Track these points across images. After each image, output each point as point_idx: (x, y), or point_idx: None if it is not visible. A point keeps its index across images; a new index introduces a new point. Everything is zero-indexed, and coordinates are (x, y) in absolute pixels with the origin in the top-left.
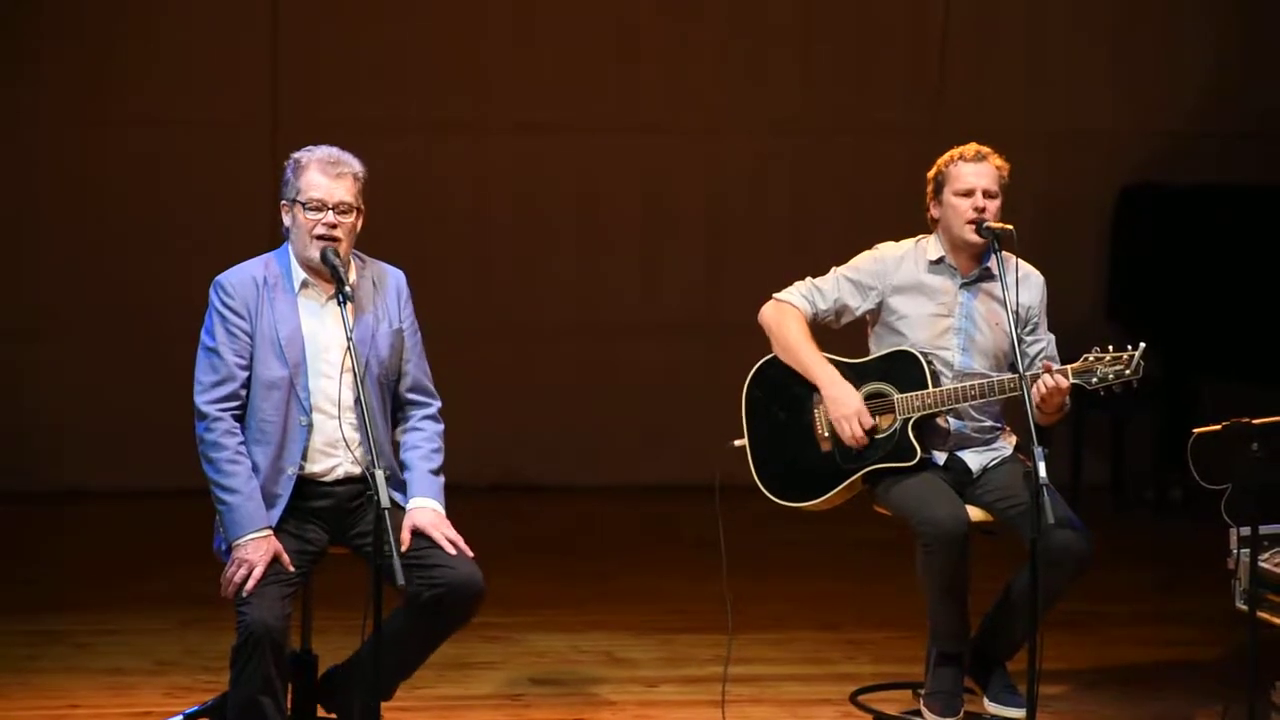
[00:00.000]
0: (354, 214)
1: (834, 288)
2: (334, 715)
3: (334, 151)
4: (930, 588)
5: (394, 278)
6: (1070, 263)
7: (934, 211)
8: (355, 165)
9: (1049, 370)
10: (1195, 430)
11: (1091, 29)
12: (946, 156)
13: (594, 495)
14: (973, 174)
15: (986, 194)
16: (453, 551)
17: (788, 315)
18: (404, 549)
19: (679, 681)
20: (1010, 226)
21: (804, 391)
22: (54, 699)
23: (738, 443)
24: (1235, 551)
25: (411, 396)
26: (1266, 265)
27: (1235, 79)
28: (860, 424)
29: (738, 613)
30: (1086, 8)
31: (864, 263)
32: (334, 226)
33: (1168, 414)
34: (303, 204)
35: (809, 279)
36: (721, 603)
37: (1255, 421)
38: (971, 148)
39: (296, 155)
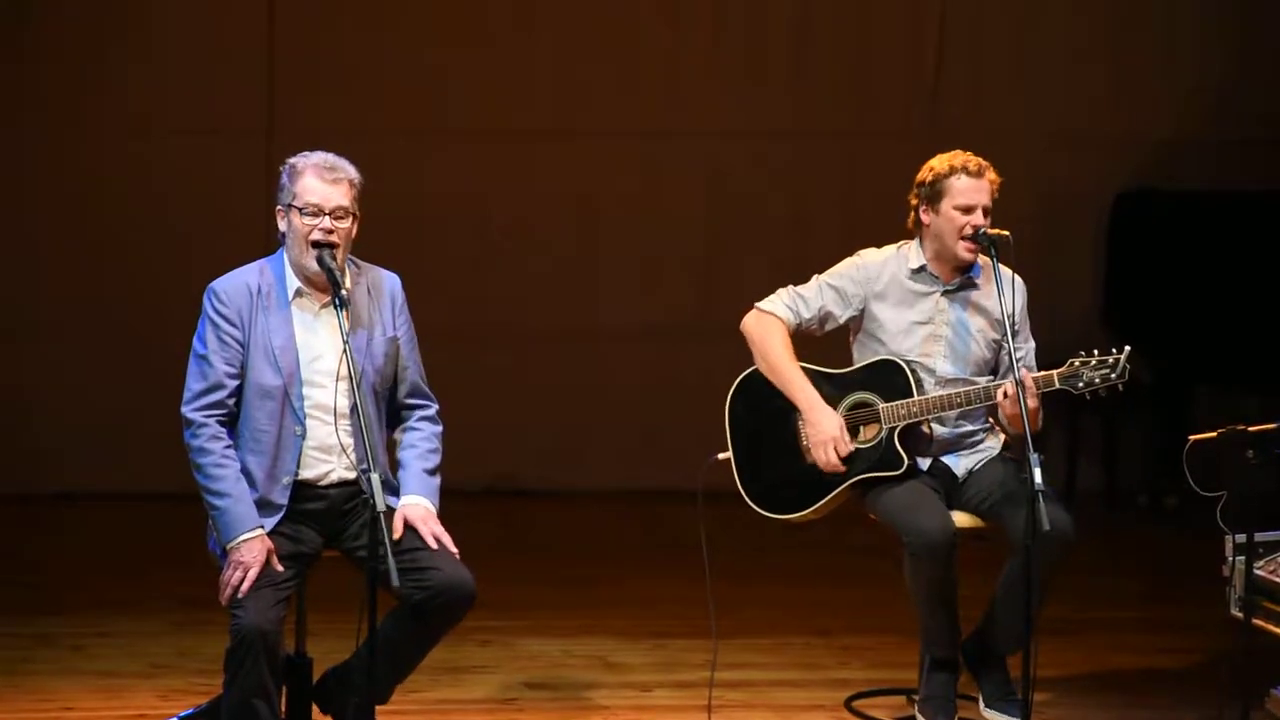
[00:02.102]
0: (350, 219)
1: (817, 296)
2: (329, 718)
3: (330, 157)
4: (919, 596)
5: (389, 283)
6: (1065, 267)
7: (924, 218)
8: (351, 171)
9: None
10: (1191, 437)
11: (1087, 33)
12: (945, 166)
13: (587, 500)
14: (974, 190)
15: (986, 211)
16: (435, 546)
17: (770, 327)
18: (396, 537)
19: (672, 686)
20: (1007, 233)
21: (787, 404)
22: (47, 701)
23: (721, 456)
24: (1230, 558)
25: (410, 401)
26: (1262, 271)
27: (1231, 84)
28: (836, 451)
29: (729, 618)
30: (1082, 11)
31: (846, 270)
32: (330, 232)
33: (1162, 420)
34: (299, 209)
35: (791, 287)
36: (717, 608)
37: (1251, 428)
38: (974, 161)
39: (292, 160)
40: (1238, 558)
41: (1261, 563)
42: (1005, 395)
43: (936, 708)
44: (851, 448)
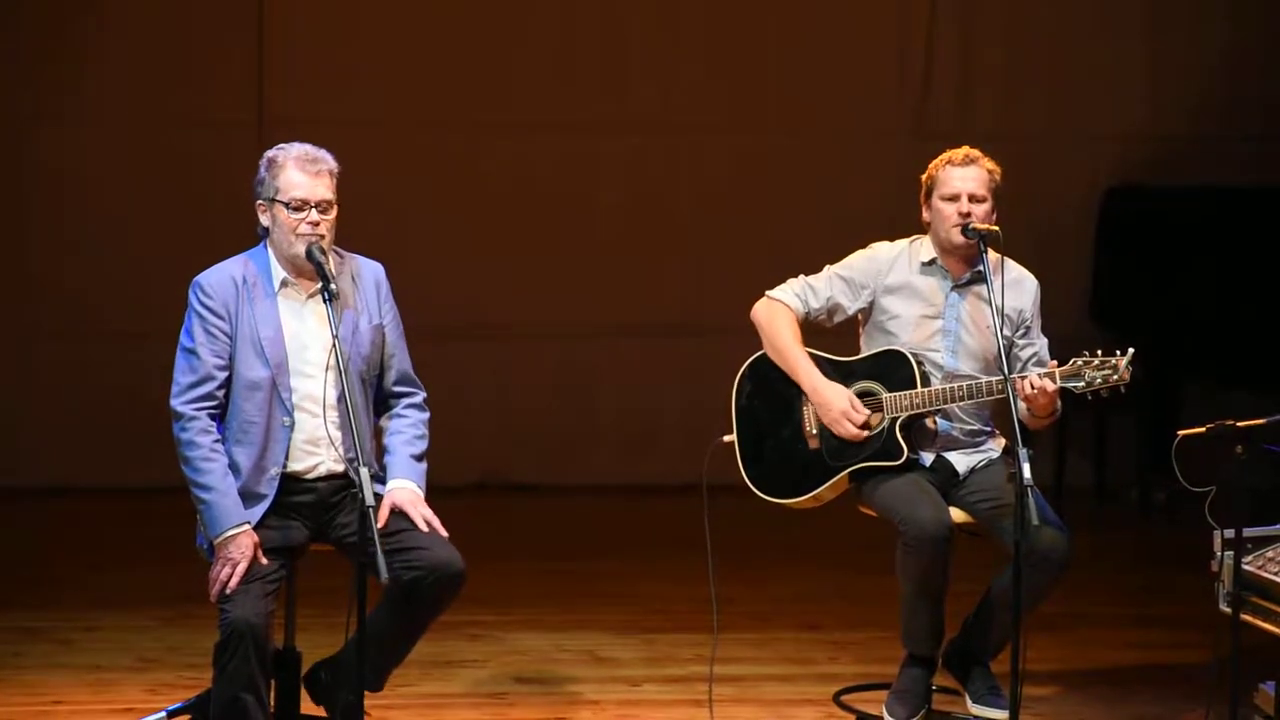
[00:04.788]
0: (334, 210)
1: (827, 286)
2: (321, 709)
3: (309, 148)
4: (907, 588)
5: (372, 271)
6: (1055, 264)
7: (924, 215)
8: (331, 161)
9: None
10: (1180, 432)
11: (1076, 31)
12: (937, 160)
13: (577, 495)
14: (959, 178)
15: (973, 198)
16: (426, 529)
17: (779, 314)
18: (381, 525)
19: (661, 681)
20: (996, 228)
21: (793, 389)
22: (36, 695)
23: (727, 438)
24: (1219, 554)
25: (398, 389)
26: (1251, 267)
27: (1220, 80)
28: (853, 420)
29: (720, 612)
30: (1071, 9)
31: (857, 261)
32: (317, 224)
33: (1152, 416)
34: (284, 204)
35: (802, 276)
36: (705, 603)
37: (1240, 424)
38: (961, 151)
39: (270, 154)
40: (1226, 553)
41: (1250, 558)
42: (1032, 387)
43: (902, 702)
44: (866, 413)
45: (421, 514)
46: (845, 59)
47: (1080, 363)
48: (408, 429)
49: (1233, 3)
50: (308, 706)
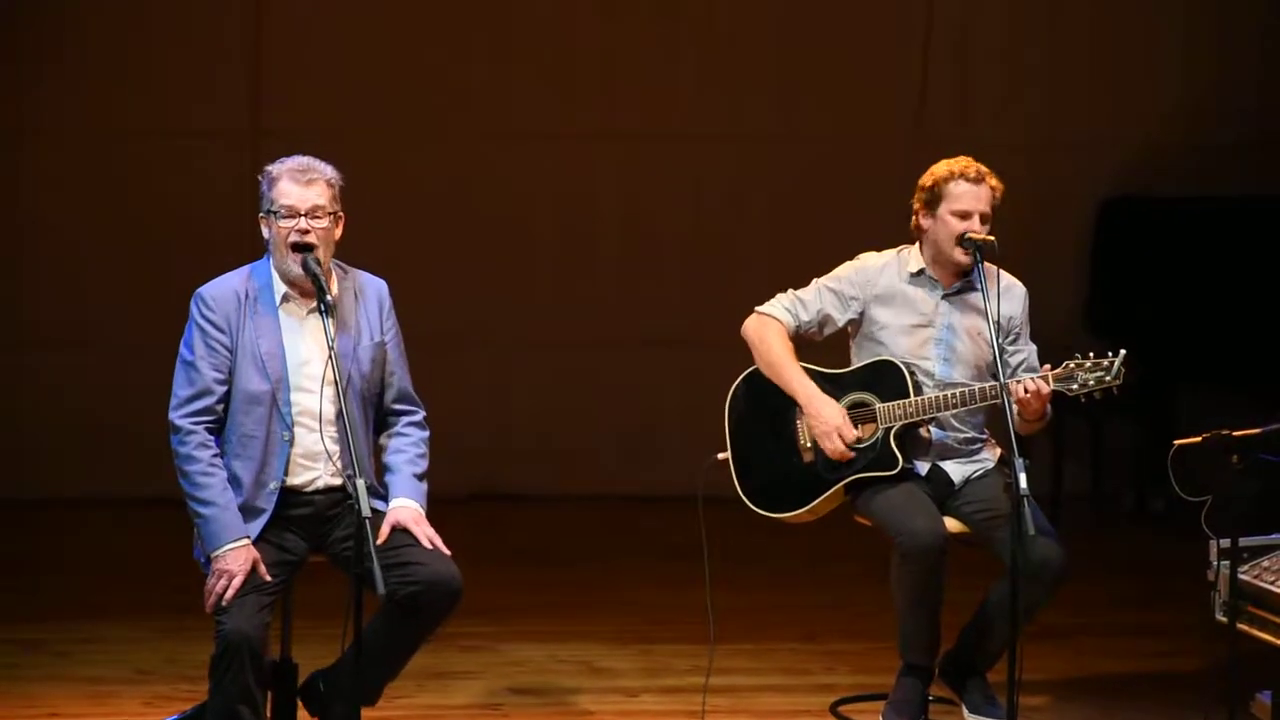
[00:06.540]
0: (328, 218)
1: (816, 299)
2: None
3: (304, 160)
4: (903, 598)
5: (375, 288)
6: (1051, 273)
7: (923, 223)
8: (327, 171)
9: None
10: (1176, 441)
11: (1073, 40)
12: (946, 171)
13: (573, 505)
14: (973, 197)
15: (983, 218)
16: (429, 547)
17: (770, 329)
18: (380, 541)
19: (658, 692)
20: (992, 238)
21: (786, 403)
22: (33, 708)
23: (720, 456)
24: (1215, 563)
25: (397, 407)
26: (1246, 275)
27: (1215, 91)
28: (842, 438)
29: (716, 623)
30: (1068, 19)
31: (845, 273)
32: (307, 232)
33: (1148, 424)
34: (275, 214)
35: (791, 291)
36: (701, 613)
37: (1236, 433)
38: (972, 167)
39: (269, 167)
40: (1222, 563)
41: (1246, 567)
42: (1026, 390)
43: (899, 711)
44: (856, 434)
45: (425, 532)
46: (842, 69)
47: (1073, 365)
48: (409, 448)
49: (1229, 13)
50: (304, 718)
